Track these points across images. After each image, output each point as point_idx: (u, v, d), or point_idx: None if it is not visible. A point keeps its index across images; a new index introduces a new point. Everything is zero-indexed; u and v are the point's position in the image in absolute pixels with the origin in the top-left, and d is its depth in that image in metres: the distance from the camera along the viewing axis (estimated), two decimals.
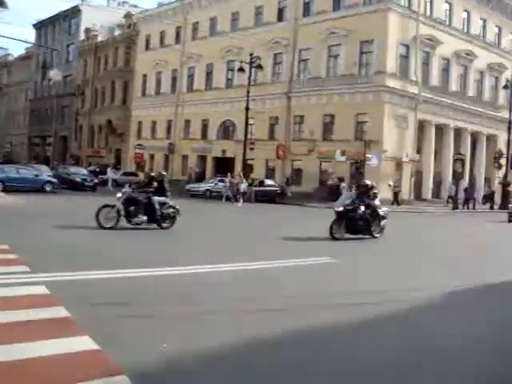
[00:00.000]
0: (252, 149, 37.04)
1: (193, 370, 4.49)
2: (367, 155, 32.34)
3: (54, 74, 50.32)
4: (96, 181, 35.71)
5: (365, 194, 15.17)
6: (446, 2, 39.11)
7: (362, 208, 14.60)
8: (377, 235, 14.97)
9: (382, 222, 15.24)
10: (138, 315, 5.90)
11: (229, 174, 32.89)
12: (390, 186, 32.03)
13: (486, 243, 16.58)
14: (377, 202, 15.33)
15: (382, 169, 33.75)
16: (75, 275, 7.64)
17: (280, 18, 41.57)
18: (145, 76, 54.19)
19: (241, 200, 29.25)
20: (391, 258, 12.35)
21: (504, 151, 39.25)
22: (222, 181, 33.54)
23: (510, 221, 25.55)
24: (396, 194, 32.68)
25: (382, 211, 15.29)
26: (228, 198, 30.16)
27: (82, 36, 62.65)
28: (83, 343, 4.76)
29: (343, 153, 34.29)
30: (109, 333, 5.12)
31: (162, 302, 6.63)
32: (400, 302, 7.31)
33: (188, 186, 36.84)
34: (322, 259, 10.69)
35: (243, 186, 30.10)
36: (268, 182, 36.14)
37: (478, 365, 5.16)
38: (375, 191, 15.39)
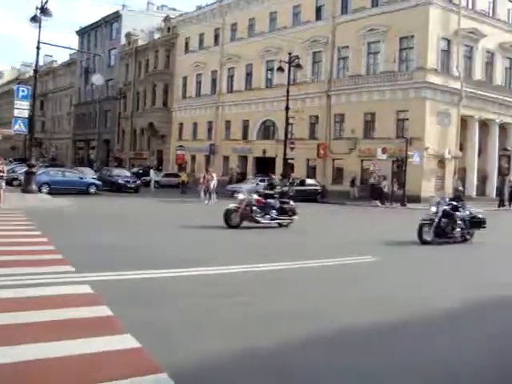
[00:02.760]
0: (292, 148, 36.88)
1: (236, 371, 4.44)
2: (409, 153, 31.73)
3: (97, 79, 51.34)
4: (139, 182, 36.28)
5: None
6: None
7: None
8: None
9: None
10: (181, 315, 5.93)
11: (204, 171, 32.51)
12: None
13: None
14: None
15: (424, 166, 33.21)
16: (120, 275, 7.74)
17: (318, 16, 41.32)
18: (185, 78, 54.74)
19: (211, 198, 28.31)
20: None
21: None
22: (262, 181, 33.36)
23: None
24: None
25: None
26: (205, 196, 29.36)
27: (123, 41, 63.77)
28: (125, 342, 4.80)
29: (384, 151, 33.74)
30: (152, 332, 5.14)
31: (210, 302, 6.62)
32: None
33: (229, 187, 36.93)
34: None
35: (213, 183, 29.51)
36: (309, 181, 35.95)
37: None
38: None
